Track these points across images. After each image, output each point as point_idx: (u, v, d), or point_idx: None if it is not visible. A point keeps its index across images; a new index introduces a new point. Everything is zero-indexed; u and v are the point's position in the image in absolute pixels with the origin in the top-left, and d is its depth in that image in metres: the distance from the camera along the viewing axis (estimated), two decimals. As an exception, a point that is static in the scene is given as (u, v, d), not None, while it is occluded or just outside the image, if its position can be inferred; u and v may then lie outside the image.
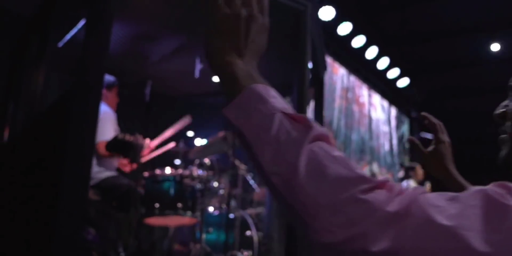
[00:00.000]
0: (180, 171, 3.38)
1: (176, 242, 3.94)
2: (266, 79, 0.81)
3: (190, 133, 4.63)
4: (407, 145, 10.61)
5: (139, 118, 4.28)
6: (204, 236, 3.64)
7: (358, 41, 7.88)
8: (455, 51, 9.10)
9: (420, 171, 6.33)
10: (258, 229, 3.91)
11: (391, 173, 10.35)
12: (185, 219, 3.41)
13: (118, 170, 3.71)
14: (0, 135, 3.75)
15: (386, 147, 10.29)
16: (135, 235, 3.41)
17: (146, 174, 3.39)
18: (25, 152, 2.62)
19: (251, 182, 4.07)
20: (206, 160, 3.46)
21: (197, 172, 3.41)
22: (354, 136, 8.98)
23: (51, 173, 1.95)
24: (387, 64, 8.84)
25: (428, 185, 6.37)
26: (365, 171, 9.24)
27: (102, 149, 3.20)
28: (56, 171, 1.86)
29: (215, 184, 3.59)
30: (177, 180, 3.35)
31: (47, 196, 1.99)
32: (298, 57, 2.52)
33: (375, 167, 9.64)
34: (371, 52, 8.31)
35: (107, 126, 3.45)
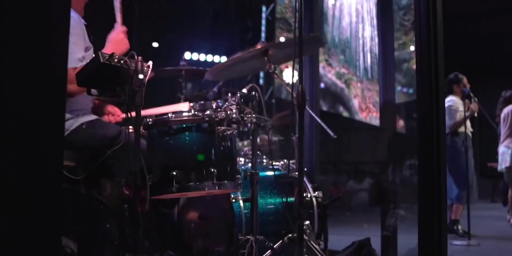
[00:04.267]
0: (207, 112, 1.93)
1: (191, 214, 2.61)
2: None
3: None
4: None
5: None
6: (242, 205, 2.32)
7: None
8: None
9: (466, 80, 5.15)
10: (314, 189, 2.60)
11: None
12: (221, 192, 2.04)
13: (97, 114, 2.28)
14: None
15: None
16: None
17: (149, 120, 1.94)
18: None
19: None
20: (245, 90, 2.01)
21: (237, 110, 1.95)
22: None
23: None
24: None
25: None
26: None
27: (72, 82, 1.76)
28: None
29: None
30: (205, 128, 1.93)
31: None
32: None
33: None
34: None
35: (76, 42, 2.01)
